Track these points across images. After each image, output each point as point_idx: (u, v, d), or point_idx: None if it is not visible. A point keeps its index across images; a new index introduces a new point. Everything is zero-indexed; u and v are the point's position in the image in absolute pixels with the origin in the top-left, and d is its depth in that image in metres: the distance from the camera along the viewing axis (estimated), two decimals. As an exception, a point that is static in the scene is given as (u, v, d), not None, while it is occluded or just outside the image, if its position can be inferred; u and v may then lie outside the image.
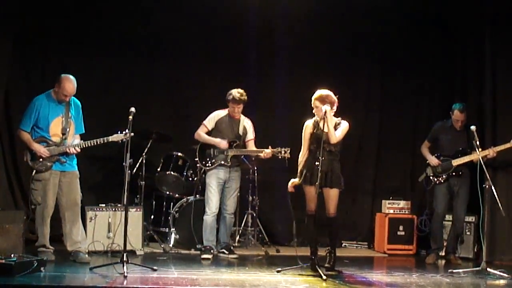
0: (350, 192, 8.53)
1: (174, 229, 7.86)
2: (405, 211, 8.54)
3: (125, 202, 6.31)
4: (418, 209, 8.72)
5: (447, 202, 7.79)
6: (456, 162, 7.66)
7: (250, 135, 7.58)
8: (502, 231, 7.84)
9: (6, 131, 7.86)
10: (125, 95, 8.36)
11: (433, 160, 7.81)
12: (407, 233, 8.43)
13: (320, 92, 6.58)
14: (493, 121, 8.07)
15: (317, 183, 6.31)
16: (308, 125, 6.67)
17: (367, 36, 9.00)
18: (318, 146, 6.45)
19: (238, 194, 7.68)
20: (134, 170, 7.80)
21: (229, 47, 8.72)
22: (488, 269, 6.73)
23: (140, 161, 7.94)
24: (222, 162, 7.40)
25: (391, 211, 8.53)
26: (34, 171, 6.61)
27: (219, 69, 8.64)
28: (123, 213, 6.38)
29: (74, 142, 6.72)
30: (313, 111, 6.61)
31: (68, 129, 6.71)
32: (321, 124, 6.42)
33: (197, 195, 7.82)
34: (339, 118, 6.63)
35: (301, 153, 6.69)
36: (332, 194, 6.52)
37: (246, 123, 7.57)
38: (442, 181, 7.74)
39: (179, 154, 8.03)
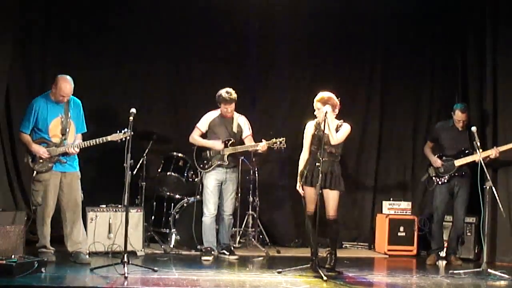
0: (350, 192, 8.54)
1: (174, 230, 7.86)
2: (405, 212, 8.53)
3: (125, 203, 6.31)
4: (418, 210, 8.72)
5: (447, 202, 7.79)
6: (458, 162, 7.66)
7: (246, 131, 7.54)
8: (503, 232, 7.83)
9: (7, 132, 7.86)
10: (126, 96, 8.37)
11: (435, 161, 7.80)
12: (407, 234, 8.41)
13: (322, 94, 6.58)
14: (494, 121, 8.06)
15: (317, 184, 6.31)
16: (310, 126, 6.67)
17: (368, 36, 8.99)
18: (319, 147, 6.45)
19: (237, 195, 7.65)
20: (135, 171, 7.80)
21: (229, 47, 8.72)
22: (489, 270, 6.72)
23: (140, 162, 7.93)
24: (220, 162, 7.39)
25: (392, 212, 8.52)
26: (35, 172, 6.61)
27: (219, 69, 8.64)
28: (124, 213, 6.38)
29: (75, 141, 6.72)
30: (315, 113, 6.61)
31: (67, 129, 6.70)
32: (322, 126, 6.42)
33: (198, 196, 7.81)
34: (341, 120, 6.62)
35: (301, 154, 6.69)
36: (332, 196, 6.51)
37: (240, 121, 7.53)
38: (444, 181, 7.73)
39: (180, 155, 8.03)
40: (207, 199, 7.38)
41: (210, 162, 7.42)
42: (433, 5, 8.79)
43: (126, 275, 5.87)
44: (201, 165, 7.49)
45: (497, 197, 6.92)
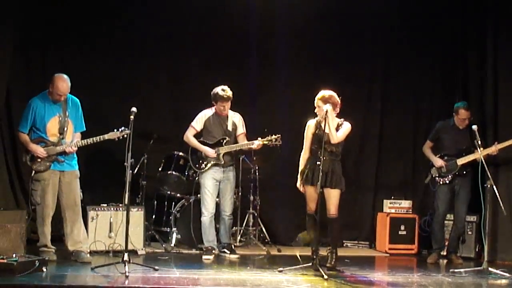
0: (351, 191, 8.53)
1: (175, 228, 7.86)
2: (406, 211, 8.53)
3: (126, 202, 6.31)
4: (419, 208, 8.72)
5: (448, 201, 7.78)
6: (461, 161, 7.65)
7: (240, 129, 7.50)
8: (504, 230, 7.84)
9: (8, 131, 7.87)
10: (126, 95, 8.35)
11: (437, 161, 7.79)
12: (408, 233, 8.42)
13: (323, 93, 6.58)
14: (494, 120, 8.06)
15: (318, 183, 6.31)
16: (310, 125, 6.67)
17: (368, 35, 8.99)
18: (319, 146, 6.45)
19: (236, 195, 7.64)
20: (136, 170, 7.81)
21: (229, 46, 8.72)
22: (490, 268, 6.73)
23: (141, 161, 7.94)
24: (215, 162, 7.35)
25: (393, 210, 8.53)
26: (34, 171, 6.62)
27: (219, 68, 8.62)
28: (125, 212, 6.37)
29: (74, 140, 6.72)
30: (315, 111, 6.61)
31: (65, 128, 6.70)
32: (322, 124, 6.42)
33: (199, 195, 7.80)
34: (342, 119, 6.62)
35: (302, 153, 6.70)
36: (333, 195, 6.52)
37: (234, 118, 7.48)
38: (447, 181, 7.72)
39: (181, 153, 8.02)
40: (205, 199, 7.36)
41: (205, 162, 7.39)
42: (434, 4, 8.78)
43: (127, 274, 5.87)
44: (197, 165, 7.46)
45: (498, 196, 6.91)
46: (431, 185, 7.91)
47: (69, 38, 8.32)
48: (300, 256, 6.86)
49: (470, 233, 8.06)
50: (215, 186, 7.39)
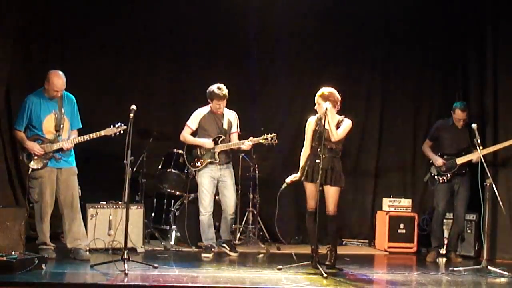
0: (351, 189, 8.55)
1: (175, 226, 7.86)
2: (405, 209, 8.54)
3: (126, 200, 6.31)
4: (418, 207, 8.73)
5: (448, 200, 7.78)
6: (460, 160, 7.65)
7: (234, 128, 7.48)
8: (503, 229, 7.84)
9: (7, 128, 7.85)
10: (126, 93, 8.36)
11: (437, 160, 7.79)
12: (407, 231, 8.42)
13: (324, 90, 6.58)
14: (494, 119, 8.06)
15: (318, 181, 6.31)
16: (311, 122, 6.66)
17: (368, 33, 8.98)
18: (319, 143, 6.45)
19: (237, 191, 7.62)
20: (135, 168, 7.81)
21: (229, 44, 8.71)
22: (489, 267, 6.74)
23: (141, 158, 7.94)
24: (211, 160, 7.34)
25: (392, 209, 8.53)
26: (30, 169, 6.61)
27: (219, 67, 8.63)
28: (124, 210, 6.37)
29: (71, 137, 6.72)
30: (315, 107, 6.61)
31: (62, 125, 6.70)
32: (323, 121, 6.41)
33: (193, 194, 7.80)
34: (342, 116, 6.61)
35: (303, 150, 6.69)
36: (332, 192, 6.51)
37: (230, 116, 7.45)
38: (446, 180, 7.72)
39: (180, 151, 8.01)
40: (202, 198, 7.35)
41: (201, 160, 7.37)
42: (434, 3, 8.77)
43: (126, 271, 5.87)
44: (192, 164, 7.45)
45: (497, 194, 6.91)
46: (430, 184, 7.92)
47: (69, 35, 8.32)
48: (295, 254, 6.88)
49: (469, 231, 8.06)
50: (212, 184, 7.37)
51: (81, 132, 6.84)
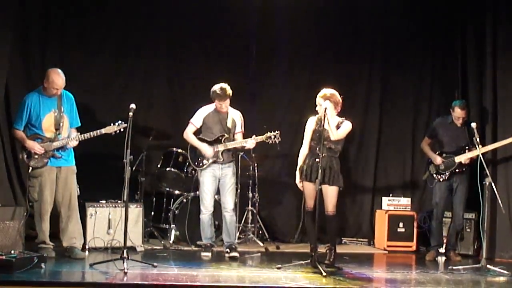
0: (350, 189, 8.53)
1: (174, 225, 7.86)
2: (405, 208, 8.53)
3: (125, 199, 6.32)
4: (418, 206, 8.73)
5: (446, 198, 7.78)
6: (459, 158, 7.64)
7: (239, 127, 7.40)
8: (502, 228, 7.83)
9: (6, 127, 7.84)
10: (125, 91, 8.36)
11: (436, 158, 7.79)
12: (407, 230, 8.42)
13: (325, 91, 6.59)
14: (493, 118, 8.05)
15: (317, 180, 6.31)
16: (311, 122, 6.68)
17: (367, 32, 8.99)
18: (318, 142, 6.45)
19: (237, 190, 7.61)
20: (134, 167, 7.80)
21: (229, 43, 8.71)
22: (488, 266, 6.75)
23: (140, 157, 7.94)
24: (214, 159, 7.28)
25: (391, 208, 8.52)
26: (30, 168, 6.61)
27: (219, 65, 8.61)
28: (123, 209, 6.39)
29: (71, 135, 6.72)
30: (316, 108, 6.61)
31: (61, 124, 6.70)
32: (323, 121, 6.42)
33: (197, 192, 7.79)
34: (343, 118, 6.62)
35: (301, 149, 6.70)
36: (331, 192, 6.52)
37: (234, 116, 7.39)
38: (445, 178, 7.72)
39: (179, 150, 8.02)
40: (203, 197, 7.30)
41: (204, 160, 7.33)
42: (433, 3, 8.77)
43: (125, 270, 5.87)
44: (196, 163, 7.40)
45: (496, 193, 6.92)
46: (429, 182, 7.92)
47: (68, 34, 8.30)
48: (294, 254, 6.89)
49: (468, 230, 8.07)
50: (214, 184, 7.32)
51: (79, 131, 6.84)
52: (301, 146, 6.72)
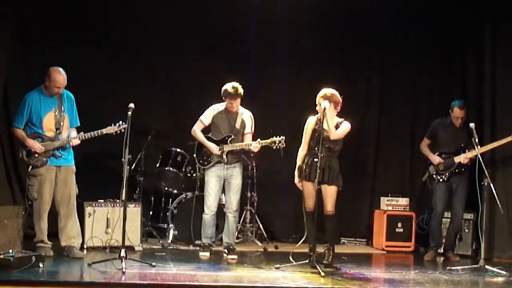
0: (348, 188, 8.49)
1: (172, 225, 7.86)
2: (403, 208, 8.54)
3: (123, 198, 6.30)
4: (416, 206, 8.72)
5: (446, 199, 7.79)
6: (458, 159, 7.65)
7: (248, 128, 7.32)
8: (501, 228, 7.84)
9: (5, 126, 7.84)
10: (124, 91, 8.34)
11: (435, 158, 7.79)
12: (405, 230, 8.42)
13: (325, 91, 6.59)
14: (492, 118, 8.06)
15: (316, 179, 6.31)
16: (311, 121, 6.67)
17: (367, 32, 8.98)
18: (317, 142, 6.45)
19: (240, 191, 7.60)
20: (133, 166, 7.80)
21: (228, 42, 8.70)
22: (487, 266, 6.75)
23: (139, 157, 7.94)
24: (219, 159, 7.24)
25: (390, 208, 8.53)
26: (30, 167, 6.61)
27: (218, 65, 8.61)
28: (122, 208, 6.38)
29: (72, 134, 6.71)
30: (316, 108, 6.61)
31: (62, 123, 6.69)
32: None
33: (196, 191, 7.80)
34: (342, 119, 6.62)
35: (300, 148, 6.70)
36: (330, 191, 6.52)
37: (244, 116, 7.32)
38: (445, 179, 7.72)
39: (178, 150, 8.02)
40: (207, 197, 7.26)
41: (209, 159, 7.29)
42: (433, 3, 8.77)
43: (123, 270, 5.87)
44: (201, 161, 7.38)
45: (495, 194, 6.92)
46: (429, 183, 7.92)
47: (68, 33, 8.30)
48: (292, 253, 6.88)
49: (467, 230, 8.07)
50: (218, 184, 7.26)
51: (79, 131, 6.83)
52: (300, 147, 6.71)
